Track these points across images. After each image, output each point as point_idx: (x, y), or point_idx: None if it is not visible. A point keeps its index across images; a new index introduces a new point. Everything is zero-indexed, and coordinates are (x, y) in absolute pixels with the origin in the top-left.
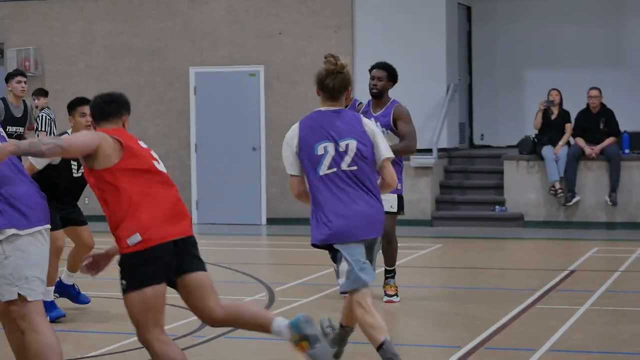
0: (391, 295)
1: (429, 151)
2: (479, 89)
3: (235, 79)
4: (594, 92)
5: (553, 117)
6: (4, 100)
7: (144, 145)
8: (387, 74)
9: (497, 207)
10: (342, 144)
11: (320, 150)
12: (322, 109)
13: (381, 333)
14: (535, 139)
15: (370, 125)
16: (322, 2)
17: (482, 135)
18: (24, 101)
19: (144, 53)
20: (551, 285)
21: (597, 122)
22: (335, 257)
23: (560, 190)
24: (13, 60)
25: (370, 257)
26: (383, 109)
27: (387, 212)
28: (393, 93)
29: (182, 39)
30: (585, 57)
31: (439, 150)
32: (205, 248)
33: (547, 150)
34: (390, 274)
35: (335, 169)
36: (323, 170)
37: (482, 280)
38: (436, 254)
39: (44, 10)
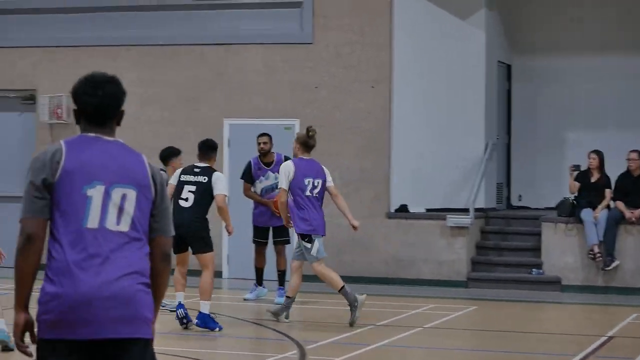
0: None
1: (465, 211)
2: (517, 148)
3: (270, 132)
4: (633, 155)
5: (593, 180)
6: None
7: None
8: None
9: (534, 270)
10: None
11: None
12: None
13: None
14: (575, 202)
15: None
16: (359, 56)
17: (520, 196)
18: None
19: (176, 103)
20: (589, 351)
21: (637, 185)
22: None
23: (599, 255)
24: (45, 107)
25: None
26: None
27: None
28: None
29: (215, 90)
30: (628, 119)
31: (476, 210)
32: (235, 304)
33: (586, 214)
34: None
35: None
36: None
37: (518, 345)
38: (470, 316)
39: (74, 57)
